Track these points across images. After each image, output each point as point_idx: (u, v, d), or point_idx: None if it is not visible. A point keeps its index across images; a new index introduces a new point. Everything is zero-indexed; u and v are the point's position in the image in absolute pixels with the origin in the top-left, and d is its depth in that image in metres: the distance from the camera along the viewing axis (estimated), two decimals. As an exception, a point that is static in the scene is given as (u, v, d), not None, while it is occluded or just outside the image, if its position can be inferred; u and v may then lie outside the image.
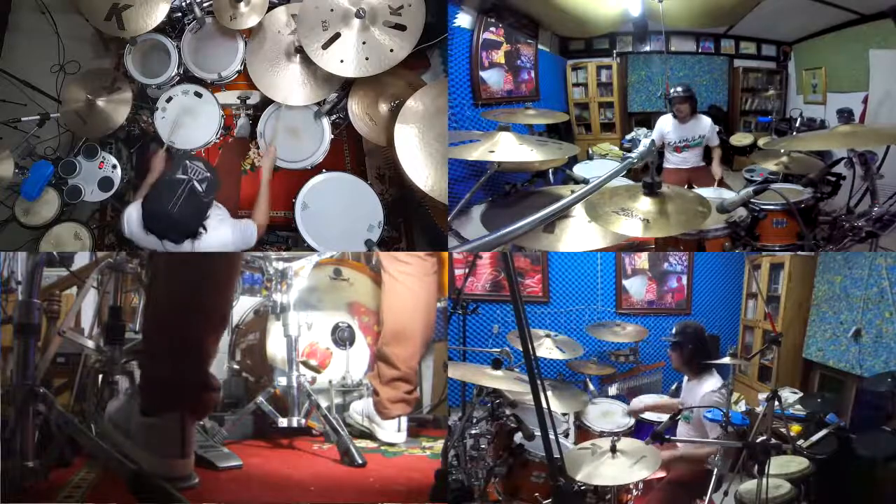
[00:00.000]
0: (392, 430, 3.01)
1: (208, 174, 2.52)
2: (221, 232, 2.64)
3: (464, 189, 3.31)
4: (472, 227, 2.95)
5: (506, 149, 2.56)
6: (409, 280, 3.04)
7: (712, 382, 3.00)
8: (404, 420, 3.03)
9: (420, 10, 2.83)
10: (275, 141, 3.06)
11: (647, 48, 5.41)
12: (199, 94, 3.08)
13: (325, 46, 2.83)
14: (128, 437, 2.12)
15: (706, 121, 4.17)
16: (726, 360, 2.76)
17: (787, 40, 5.11)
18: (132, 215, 2.61)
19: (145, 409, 2.11)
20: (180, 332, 2.13)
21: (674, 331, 3.17)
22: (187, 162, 2.51)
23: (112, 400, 2.35)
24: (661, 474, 2.66)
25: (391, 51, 2.80)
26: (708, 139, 4.15)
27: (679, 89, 4.06)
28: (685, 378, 3.22)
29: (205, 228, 2.57)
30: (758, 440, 2.31)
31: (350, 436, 2.74)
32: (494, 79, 4.38)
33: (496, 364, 2.51)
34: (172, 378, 2.11)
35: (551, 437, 1.66)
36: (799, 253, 3.50)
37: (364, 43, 2.81)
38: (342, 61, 2.82)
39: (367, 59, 2.80)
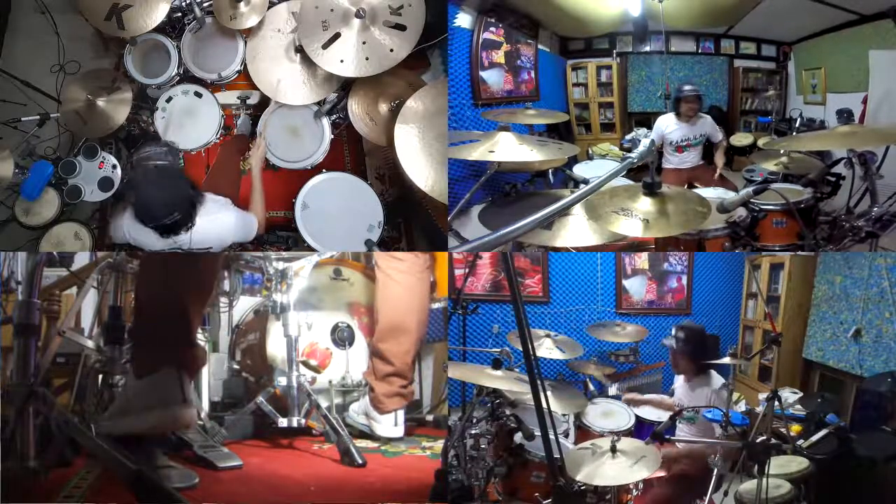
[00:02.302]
0: (389, 425, 3.02)
1: (164, 148, 2.73)
2: (224, 217, 2.66)
3: (464, 189, 3.30)
4: (472, 227, 2.95)
5: (506, 149, 2.56)
6: (402, 277, 3.05)
7: (716, 382, 3.00)
8: (401, 414, 3.04)
9: (420, 10, 2.83)
10: (269, 144, 3.08)
11: (647, 48, 5.39)
12: (199, 94, 3.08)
13: (325, 46, 2.83)
14: (127, 414, 2.17)
15: (708, 120, 4.20)
16: (726, 360, 2.76)
17: (787, 40, 5.10)
18: (126, 220, 2.58)
19: (139, 372, 2.18)
20: (167, 302, 2.25)
21: (673, 333, 3.17)
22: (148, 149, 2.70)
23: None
24: (662, 473, 2.66)
25: (391, 51, 2.80)
26: (710, 135, 4.16)
27: (688, 87, 4.07)
28: (682, 379, 3.22)
29: (197, 192, 2.58)
30: (758, 440, 2.31)
31: (350, 436, 2.74)
32: (494, 79, 4.37)
33: (496, 364, 2.51)
34: (161, 340, 2.22)
35: (551, 437, 1.66)
36: (799, 253, 3.50)
37: (364, 43, 2.81)
38: (342, 61, 2.82)
39: (367, 59, 2.80)
